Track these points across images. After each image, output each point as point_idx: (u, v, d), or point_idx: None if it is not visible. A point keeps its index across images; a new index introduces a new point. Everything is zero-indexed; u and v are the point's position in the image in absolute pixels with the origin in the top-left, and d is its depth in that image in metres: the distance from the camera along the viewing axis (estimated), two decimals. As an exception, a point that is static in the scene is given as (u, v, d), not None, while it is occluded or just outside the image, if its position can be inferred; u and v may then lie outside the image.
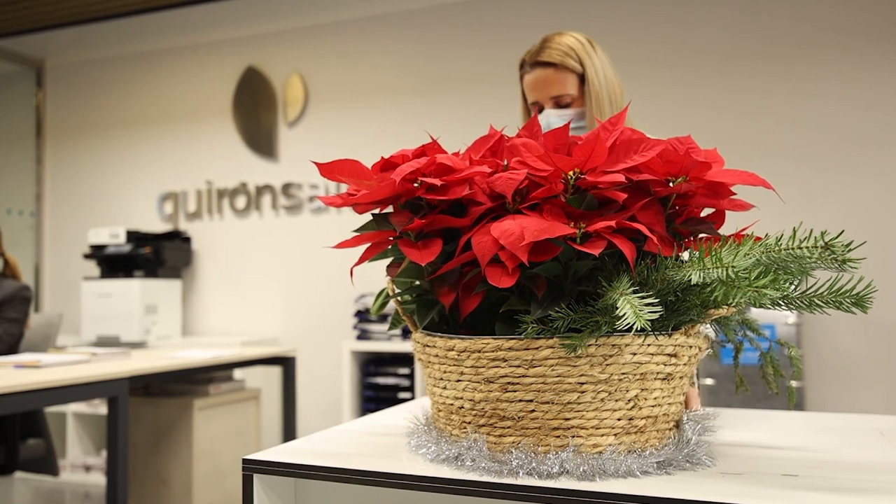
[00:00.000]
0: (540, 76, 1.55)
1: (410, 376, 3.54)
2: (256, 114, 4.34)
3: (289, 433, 2.80)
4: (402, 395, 3.55)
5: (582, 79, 1.56)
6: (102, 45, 4.77)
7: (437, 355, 0.87)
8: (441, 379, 0.88)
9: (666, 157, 0.82)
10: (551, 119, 1.55)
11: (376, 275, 3.85)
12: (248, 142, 4.35)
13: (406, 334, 3.51)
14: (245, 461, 0.90)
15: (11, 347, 2.66)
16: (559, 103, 1.56)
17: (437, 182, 0.90)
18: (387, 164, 0.99)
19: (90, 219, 4.72)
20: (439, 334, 0.87)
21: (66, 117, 4.94)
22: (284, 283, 4.21)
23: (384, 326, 3.61)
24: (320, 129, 4.20)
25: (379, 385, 3.61)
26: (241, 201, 4.35)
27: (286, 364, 2.84)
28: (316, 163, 0.99)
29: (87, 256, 4.23)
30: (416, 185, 0.92)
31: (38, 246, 4.93)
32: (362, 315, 3.68)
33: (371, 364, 3.68)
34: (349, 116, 4.14)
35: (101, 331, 4.06)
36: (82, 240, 4.41)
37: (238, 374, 3.02)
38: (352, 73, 4.16)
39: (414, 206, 0.95)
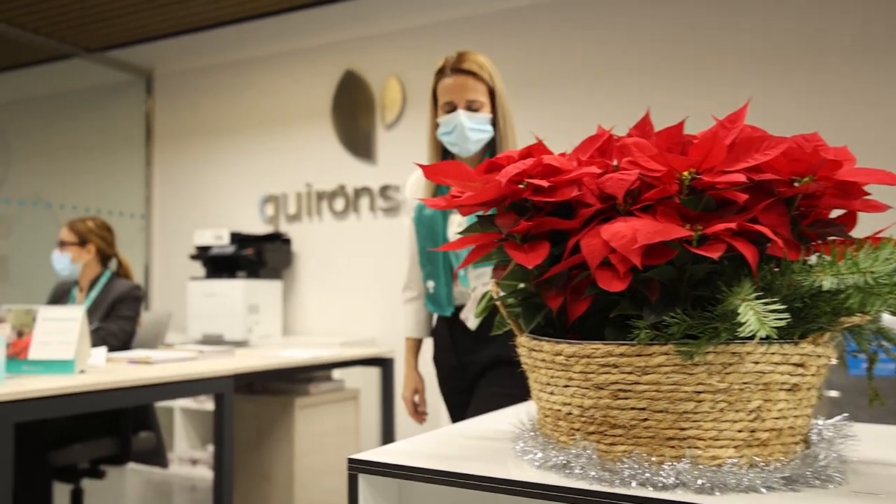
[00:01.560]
0: (459, 81, 1.82)
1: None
2: (355, 116, 4.44)
3: (387, 434, 2.84)
4: (499, 399, 3.54)
5: (491, 92, 1.84)
6: (207, 54, 5.01)
7: (543, 360, 0.87)
8: (548, 384, 0.87)
9: (791, 155, 0.78)
10: (462, 118, 1.80)
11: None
12: (347, 144, 4.47)
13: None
14: (351, 461, 0.92)
15: (125, 344, 2.82)
16: (471, 107, 1.81)
17: (545, 183, 0.89)
18: (492, 166, 0.99)
19: (196, 221, 4.96)
20: (546, 338, 0.86)
21: (174, 123, 5.21)
22: (382, 284, 4.29)
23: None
24: (417, 131, 4.26)
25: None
26: (339, 203, 4.46)
27: (385, 365, 2.89)
28: (420, 165, 1.00)
29: (192, 257, 4.44)
30: (522, 186, 0.92)
31: (147, 247, 5.23)
32: (458, 317, 3.70)
33: (467, 367, 3.69)
34: (446, 118, 4.18)
35: (206, 329, 4.25)
36: (188, 241, 4.64)
37: (337, 374, 3.10)
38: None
39: (519, 207, 0.95)
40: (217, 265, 4.37)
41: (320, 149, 4.56)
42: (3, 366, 1.79)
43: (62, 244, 2.87)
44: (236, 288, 4.20)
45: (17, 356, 2.04)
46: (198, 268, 4.52)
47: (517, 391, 1.64)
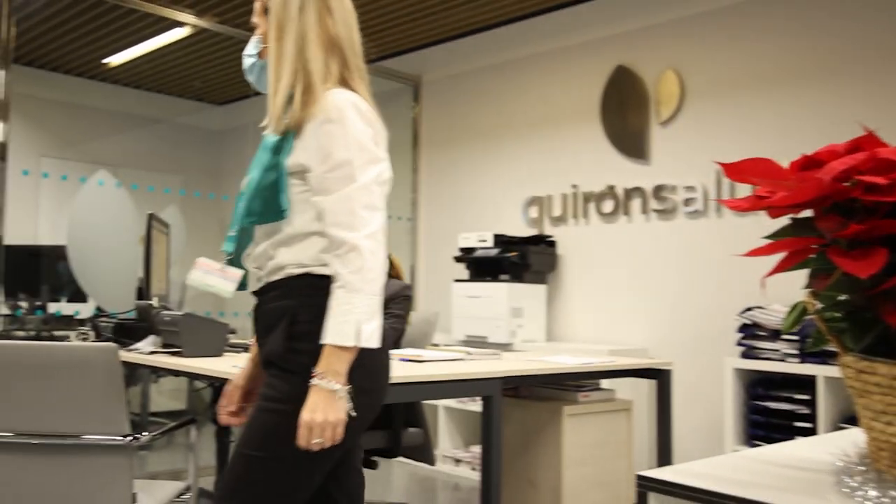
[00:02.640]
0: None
1: (811, 402, 3.24)
2: (625, 114, 4.37)
3: (664, 452, 2.76)
4: (800, 423, 3.27)
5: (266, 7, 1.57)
6: (473, 57, 5.24)
7: (877, 384, 0.78)
8: (883, 412, 0.78)
9: None
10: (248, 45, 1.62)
11: (767, 286, 3.60)
12: (616, 143, 4.41)
13: (807, 356, 3.23)
14: (640, 478, 0.91)
15: (395, 342, 3.03)
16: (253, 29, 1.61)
17: (881, 181, 0.80)
18: (809, 162, 0.91)
19: (460, 223, 5.17)
20: (881, 359, 0.78)
21: (440, 128, 5.51)
22: (655, 291, 4.17)
23: (777, 345, 3.36)
24: (697, 126, 4.07)
25: (770, 409, 3.38)
26: (608, 205, 4.42)
27: (661, 377, 2.80)
28: (721, 163, 0.95)
29: (457, 259, 4.64)
30: (849, 185, 0.84)
31: (413, 248, 5.58)
32: (748, 330, 3.48)
33: (759, 385, 3.45)
34: (731, 112, 3.95)
35: (470, 331, 4.43)
36: (453, 243, 4.86)
37: (604, 383, 3.07)
38: (733, 64, 3.96)
39: (843, 209, 0.87)
40: (481, 267, 4.52)
41: (588, 149, 4.55)
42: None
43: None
44: (500, 291, 4.33)
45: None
46: (462, 270, 4.73)
47: (282, 405, 1.41)
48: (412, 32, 5.21)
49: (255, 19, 1.60)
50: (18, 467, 1.82)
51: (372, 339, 1.39)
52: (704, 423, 3.88)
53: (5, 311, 4.20)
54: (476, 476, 4.32)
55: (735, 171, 0.94)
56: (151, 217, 2.92)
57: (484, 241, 4.52)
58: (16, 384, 1.80)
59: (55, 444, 1.82)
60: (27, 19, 5.00)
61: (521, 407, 2.94)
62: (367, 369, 1.44)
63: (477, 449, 4.43)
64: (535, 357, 2.96)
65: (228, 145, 7.14)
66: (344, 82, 1.51)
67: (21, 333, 4.13)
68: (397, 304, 3.04)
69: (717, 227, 3.95)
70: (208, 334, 2.45)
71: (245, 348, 2.62)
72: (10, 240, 3.66)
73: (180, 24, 4.89)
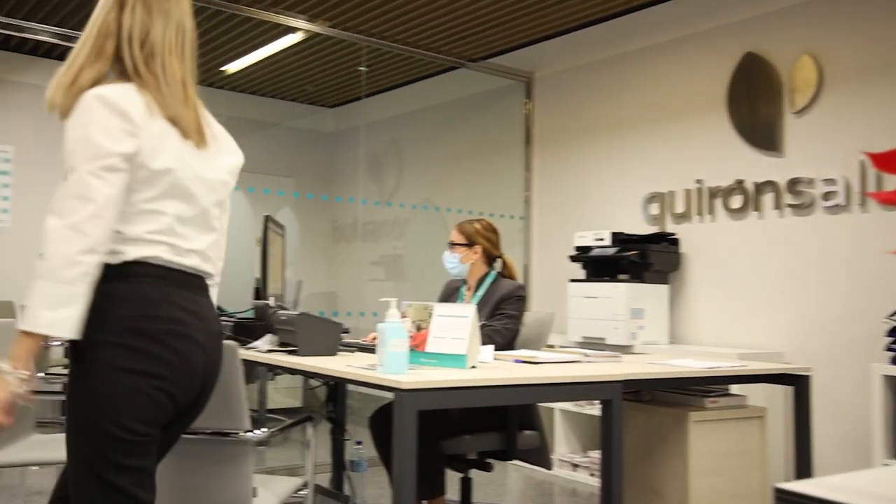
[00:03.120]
0: None
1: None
2: (755, 104, 4.17)
3: (802, 463, 2.60)
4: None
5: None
6: (587, 51, 5.15)
7: None
8: None
9: None
10: None
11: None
12: (745, 135, 4.22)
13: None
14: (778, 491, 0.84)
15: (509, 342, 3.00)
16: None
17: None
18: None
19: (575, 222, 5.08)
20: None
21: (553, 124, 5.44)
22: (789, 291, 3.95)
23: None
24: (837, 115, 3.83)
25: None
26: (736, 201, 4.23)
27: (798, 383, 2.65)
28: (869, 153, 0.88)
29: (572, 258, 4.57)
30: None
31: (527, 248, 5.55)
32: (900, 334, 3.25)
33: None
34: (875, 99, 3.69)
35: (587, 332, 4.36)
36: (568, 242, 4.79)
37: (734, 389, 2.93)
38: (876, 48, 3.70)
39: None
40: (598, 267, 4.44)
41: (713, 142, 4.37)
42: (407, 357, 2.03)
43: (452, 245, 3.17)
44: (618, 291, 4.24)
45: (417, 348, 2.29)
46: (577, 269, 4.65)
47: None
48: (523, 28, 5.18)
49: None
50: (145, 460, 1.91)
51: (57, 328, 1.39)
52: (848, 433, 3.64)
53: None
54: (595, 482, 4.26)
55: (886, 161, 0.86)
56: (267, 219, 3.02)
57: (601, 239, 4.44)
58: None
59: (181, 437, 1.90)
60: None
61: (644, 412, 2.85)
62: (131, 349, 1.45)
63: (596, 454, 4.37)
64: (657, 360, 2.87)
65: (340, 147, 7.33)
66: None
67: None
68: (510, 304, 3.02)
69: (861, 222, 3.70)
70: (323, 334, 2.50)
71: (359, 347, 2.67)
72: (136, 243, 3.87)
73: (293, 29, 5.06)
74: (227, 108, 7.25)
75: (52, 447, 2.67)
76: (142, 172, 1.48)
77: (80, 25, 4.92)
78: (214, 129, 1.67)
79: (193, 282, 1.58)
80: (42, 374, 2.89)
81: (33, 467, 4.11)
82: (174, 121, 1.54)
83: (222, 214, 1.71)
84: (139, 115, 1.48)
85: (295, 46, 5.70)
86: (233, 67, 6.23)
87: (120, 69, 1.56)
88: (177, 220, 1.54)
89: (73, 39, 4.14)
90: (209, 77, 6.54)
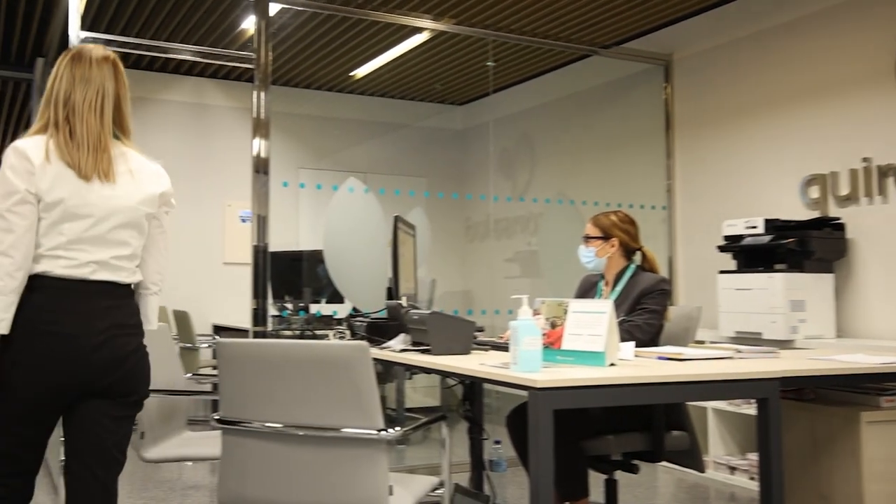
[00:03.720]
0: None
1: None
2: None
3: None
4: None
5: None
6: (731, 28, 4.93)
7: None
8: None
9: None
10: None
11: None
12: (921, 106, 3.88)
13: None
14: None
15: (652, 339, 2.89)
16: None
17: None
18: None
19: (723, 210, 4.90)
20: None
21: (694, 108, 5.25)
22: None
23: None
24: None
25: None
26: (910, 180, 3.92)
27: None
28: None
29: (721, 249, 4.40)
30: None
31: (670, 239, 5.37)
32: None
33: None
34: None
35: (740, 326, 4.19)
36: (715, 232, 4.61)
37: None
38: None
39: None
40: (751, 257, 4.26)
41: (881, 116, 4.06)
42: (541, 355, 1.99)
43: (587, 238, 3.10)
44: (776, 282, 4.04)
45: (552, 346, 2.24)
46: (727, 260, 4.46)
47: None
48: (659, 8, 5.03)
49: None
50: (287, 455, 1.99)
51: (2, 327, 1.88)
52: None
53: (274, 312, 4.68)
54: (755, 486, 4.06)
55: None
56: (397, 220, 3.07)
57: (753, 227, 4.25)
58: (283, 379, 1.97)
59: (317, 435, 1.95)
60: (282, 43, 5.54)
61: (808, 411, 2.68)
62: (13, 344, 1.91)
63: (755, 456, 4.17)
64: (821, 355, 2.68)
65: (470, 144, 7.37)
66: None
67: (287, 333, 4.58)
68: (652, 298, 2.92)
69: None
70: (456, 333, 2.51)
71: (493, 346, 2.65)
72: (274, 247, 4.05)
73: (419, 29, 5.13)
74: (356, 112, 7.55)
75: (204, 444, 2.85)
76: (42, 203, 1.93)
77: (217, 44, 5.23)
78: (134, 167, 2.08)
79: (89, 288, 1.97)
80: (189, 375, 3.08)
81: (187, 463, 4.42)
82: (70, 164, 1.96)
83: (141, 234, 2.08)
84: (39, 160, 1.94)
85: (421, 46, 5.79)
86: (361, 72, 6.40)
87: (46, 124, 2.02)
88: (74, 239, 1.96)
89: (211, 56, 4.40)
90: (339, 83, 6.76)
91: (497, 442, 3.43)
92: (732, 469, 4.28)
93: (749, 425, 4.34)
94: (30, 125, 2.15)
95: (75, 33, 3.71)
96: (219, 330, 6.26)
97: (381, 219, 4.33)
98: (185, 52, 4.38)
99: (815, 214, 4.33)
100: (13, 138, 9.24)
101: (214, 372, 4.87)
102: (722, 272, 4.38)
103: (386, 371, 4.96)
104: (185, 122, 6.66)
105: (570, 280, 3.47)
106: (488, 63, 6.00)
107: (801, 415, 2.70)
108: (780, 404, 2.20)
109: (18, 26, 5.59)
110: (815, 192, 4.39)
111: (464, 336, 2.54)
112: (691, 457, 2.87)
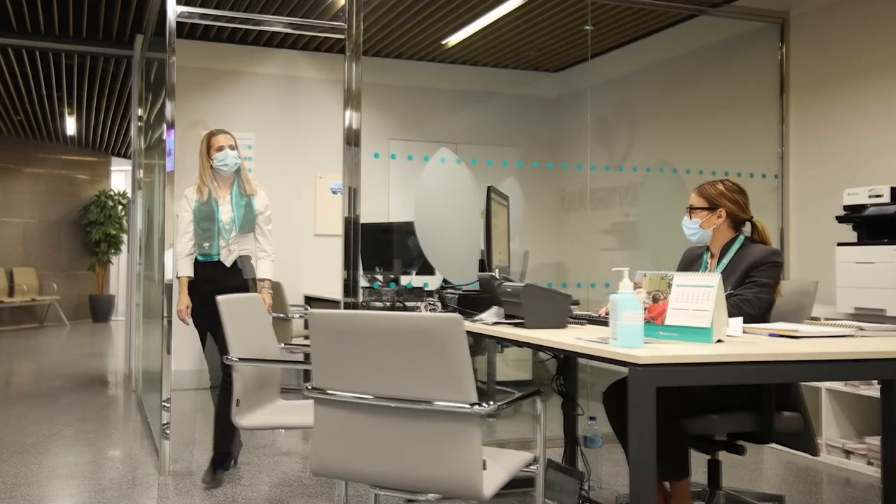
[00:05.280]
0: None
1: None
2: None
3: None
4: None
5: None
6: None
7: None
8: None
9: None
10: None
11: None
12: None
13: None
14: None
15: (762, 314, 2.77)
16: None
17: None
18: None
19: (843, 178, 4.69)
20: None
21: (812, 70, 5.00)
22: None
23: None
24: None
25: None
26: None
27: None
28: None
29: (840, 219, 4.20)
30: None
31: (782, 209, 5.16)
32: None
33: None
34: None
35: (860, 302, 4.00)
36: (834, 201, 4.39)
37: None
38: None
39: None
40: (874, 228, 4.05)
41: None
42: (642, 330, 1.93)
43: (691, 209, 2.98)
44: (899, 255, 3.81)
45: (654, 321, 2.18)
46: (847, 231, 4.24)
47: None
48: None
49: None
50: (379, 427, 2.00)
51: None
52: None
53: (364, 283, 4.74)
54: (873, 472, 3.88)
55: None
56: (490, 190, 3.03)
57: (878, 196, 4.04)
58: (375, 351, 1.98)
59: (410, 408, 1.96)
60: (373, 13, 5.55)
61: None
62: None
63: (874, 440, 4.02)
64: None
65: (565, 112, 7.25)
66: None
67: (378, 304, 4.63)
68: (763, 271, 2.79)
69: None
70: (550, 306, 2.47)
71: (589, 320, 2.60)
72: (365, 218, 4.10)
73: (513, -7, 5.04)
74: (447, 82, 7.52)
75: (295, 412, 2.92)
76: None
77: (309, 15, 5.26)
78: None
79: None
80: (283, 345, 3.17)
81: (280, 430, 4.56)
82: None
83: None
84: None
85: (515, 11, 5.69)
86: (453, 40, 6.36)
87: None
88: None
89: (302, 28, 4.45)
90: (430, 52, 6.74)
91: (592, 418, 3.38)
92: (848, 453, 4.11)
93: (868, 407, 4.17)
94: (130, 101, 2.13)
95: (172, 9, 3.84)
96: (311, 301, 6.41)
97: (472, 189, 4.31)
98: (276, 24, 4.44)
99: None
100: (115, 114, 9.73)
101: (307, 342, 5.00)
102: (840, 244, 4.18)
103: (476, 343, 4.96)
104: (277, 95, 6.80)
105: (669, 252, 3.37)
106: (586, 27, 5.86)
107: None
108: (907, 386, 2.07)
109: (119, 4, 5.80)
110: (948, 157, 4.13)
111: (559, 309, 2.50)
112: (804, 439, 2.76)
